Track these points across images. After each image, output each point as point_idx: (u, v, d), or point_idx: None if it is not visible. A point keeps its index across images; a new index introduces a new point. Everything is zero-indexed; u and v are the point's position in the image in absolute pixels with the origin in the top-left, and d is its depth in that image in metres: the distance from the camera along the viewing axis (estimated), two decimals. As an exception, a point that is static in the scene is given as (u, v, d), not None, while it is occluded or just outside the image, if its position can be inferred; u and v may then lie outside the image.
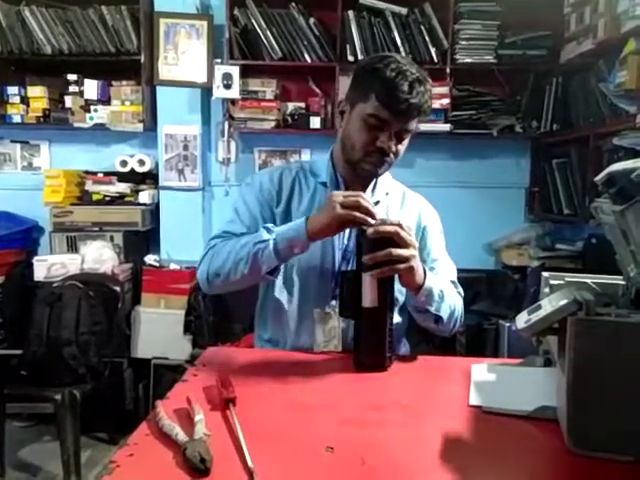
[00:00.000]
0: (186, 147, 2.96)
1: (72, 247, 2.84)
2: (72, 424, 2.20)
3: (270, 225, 1.17)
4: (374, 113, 1.16)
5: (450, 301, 1.20)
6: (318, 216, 1.10)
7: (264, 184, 1.31)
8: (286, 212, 1.29)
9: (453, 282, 1.31)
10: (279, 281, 1.27)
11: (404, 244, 1.05)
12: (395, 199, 1.35)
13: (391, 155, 1.20)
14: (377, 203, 1.29)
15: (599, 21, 2.29)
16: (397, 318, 1.28)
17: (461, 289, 1.32)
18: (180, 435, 0.77)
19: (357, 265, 1.10)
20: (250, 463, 0.71)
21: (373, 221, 1.05)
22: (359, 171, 1.24)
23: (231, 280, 1.18)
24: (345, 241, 1.27)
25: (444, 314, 1.19)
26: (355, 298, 1.08)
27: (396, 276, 1.09)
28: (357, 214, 1.05)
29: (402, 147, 1.22)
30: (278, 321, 1.30)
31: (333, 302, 1.20)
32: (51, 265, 2.68)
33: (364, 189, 1.29)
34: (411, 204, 1.36)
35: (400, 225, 1.06)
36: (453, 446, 0.79)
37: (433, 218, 1.38)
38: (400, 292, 1.23)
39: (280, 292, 1.28)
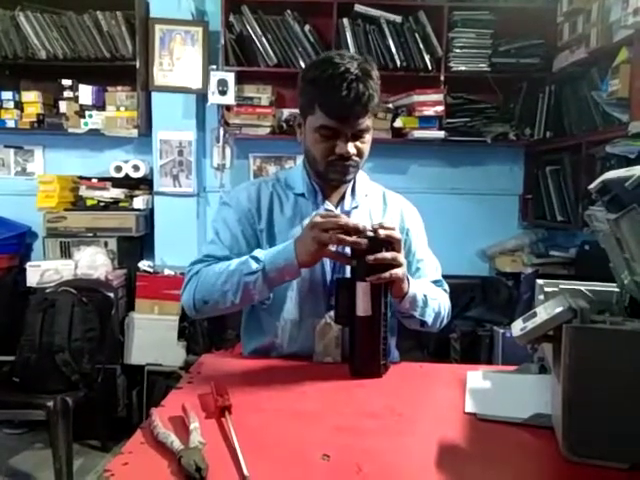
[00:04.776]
0: (181, 153, 2.96)
1: (65, 253, 2.83)
2: (64, 431, 2.18)
3: (258, 253, 1.15)
4: (323, 124, 1.16)
5: (434, 304, 1.22)
6: (303, 242, 1.09)
7: (242, 202, 1.28)
8: (269, 226, 1.26)
9: (438, 281, 1.32)
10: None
11: (400, 251, 1.08)
12: (376, 201, 1.34)
13: (354, 158, 1.19)
14: (356, 208, 1.29)
15: (592, 30, 2.32)
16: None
17: (446, 285, 1.34)
18: (175, 443, 0.76)
19: (351, 273, 1.11)
20: (245, 471, 0.71)
21: (364, 241, 1.05)
22: (328, 181, 1.25)
23: (220, 307, 1.19)
24: (339, 249, 1.26)
25: (428, 318, 1.22)
26: (350, 306, 1.08)
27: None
28: (347, 238, 1.05)
29: (365, 145, 1.21)
30: (269, 330, 1.27)
31: (332, 313, 1.19)
32: (44, 271, 2.67)
33: (342, 194, 1.29)
34: (393, 206, 1.35)
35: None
36: (448, 453, 0.79)
37: (415, 217, 1.37)
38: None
39: (272, 302, 1.25)
